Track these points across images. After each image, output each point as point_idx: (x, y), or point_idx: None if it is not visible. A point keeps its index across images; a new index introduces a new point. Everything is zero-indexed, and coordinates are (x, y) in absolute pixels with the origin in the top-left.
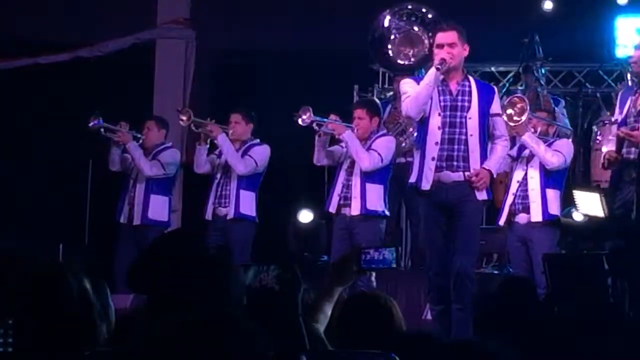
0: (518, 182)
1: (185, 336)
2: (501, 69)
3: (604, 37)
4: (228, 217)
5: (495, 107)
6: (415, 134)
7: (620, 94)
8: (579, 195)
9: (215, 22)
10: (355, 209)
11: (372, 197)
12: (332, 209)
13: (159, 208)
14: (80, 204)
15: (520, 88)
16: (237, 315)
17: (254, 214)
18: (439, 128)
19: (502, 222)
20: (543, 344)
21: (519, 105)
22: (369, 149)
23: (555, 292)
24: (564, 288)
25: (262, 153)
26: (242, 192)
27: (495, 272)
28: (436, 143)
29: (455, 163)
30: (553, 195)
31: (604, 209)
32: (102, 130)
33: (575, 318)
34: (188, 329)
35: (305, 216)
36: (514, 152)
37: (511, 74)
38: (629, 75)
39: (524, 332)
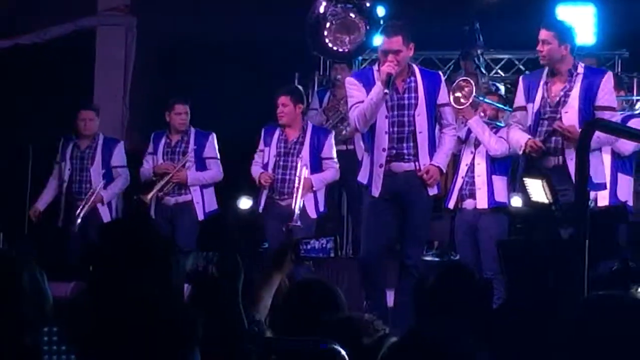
0: (467, 165)
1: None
2: (442, 56)
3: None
4: (175, 204)
5: (443, 96)
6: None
7: (523, 80)
8: (528, 182)
9: (156, 9)
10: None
11: None
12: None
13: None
14: (20, 192)
15: (453, 81)
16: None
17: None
18: (385, 132)
19: (451, 205)
20: (485, 331)
21: (466, 89)
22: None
23: (510, 278)
24: (518, 274)
25: (215, 145)
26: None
27: (437, 259)
28: (384, 149)
29: (405, 157)
30: (500, 182)
31: (547, 195)
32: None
33: (524, 305)
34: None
35: (245, 203)
36: (462, 133)
37: (452, 62)
38: None
39: (464, 318)
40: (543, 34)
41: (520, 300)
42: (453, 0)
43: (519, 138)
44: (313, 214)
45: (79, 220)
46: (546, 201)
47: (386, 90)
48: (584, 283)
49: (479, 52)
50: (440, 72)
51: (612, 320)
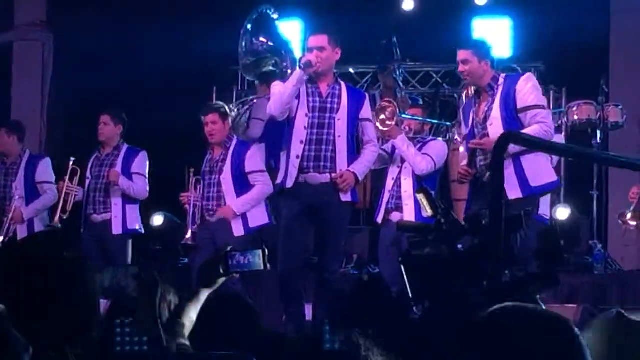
0: (393, 179)
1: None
2: (359, 70)
3: (460, 38)
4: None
5: (365, 112)
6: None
7: (462, 109)
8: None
9: (73, 24)
10: None
11: None
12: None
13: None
14: None
15: (376, 91)
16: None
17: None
18: (305, 128)
19: (379, 219)
20: (395, 344)
21: (389, 110)
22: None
23: (413, 292)
24: (421, 288)
25: (143, 162)
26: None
27: (356, 272)
28: (301, 142)
29: (322, 164)
30: None
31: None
32: None
33: (427, 318)
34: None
35: (158, 220)
36: (388, 147)
37: (369, 75)
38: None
39: (378, 331)
40: (462, 54)
41: (426, 313)
42: (370, 14)
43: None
44: (240, 232)
45: (0, 238)
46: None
47: (305, 77)
48: (488, 294)
49: (396, 65)
50: (367, 94)
51: (519, 333)
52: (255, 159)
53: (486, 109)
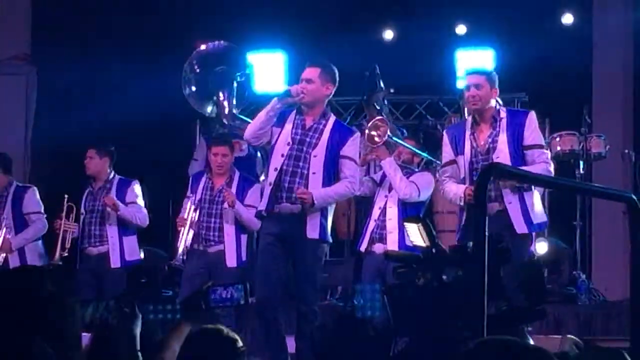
0: (380, 208)
1: None
2: (343, 101)
3: (444, 69)
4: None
5: (348, 150)
6: None
7: (448, 133)
8: (407, 226)
9: (56, 58)
10: None
11: None
12: None
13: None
14: None
15: (358, 123)
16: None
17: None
18: (282, 156)
19: (362, 248)
20: None
21: (381, 129)
22: None
23: (396, 324)
24: (403, 320)
25: (135, 191)
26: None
27: (340, 304)
28: (275, 169)
29: (294, 195)
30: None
31: (423, 239)
32: None
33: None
34: None
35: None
36: (377, 176)
37: (353, 107)
38: (466, 110)
39: None
40: (476, 78)
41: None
42: (352, 45)
43: (457, 190)
44: (232, 263)
45: None
46: (423, 244)
47: (279, 105)
48: (476, 326)
49: (381, 96)
50: (358, 133)
51: None
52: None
53: (490, 140)
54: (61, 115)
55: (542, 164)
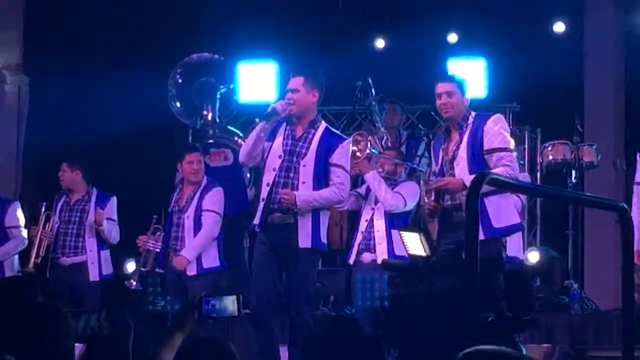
0: (366, 221)
1: None
2: (335, 111)
3: (435, 78)
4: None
5: (337, 158)
6: None
7: (432, 145)
8: (405, 235)
9: (48, 68)
10: None
11: None
12: None
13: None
14: None
15: (349, 132)
16: None
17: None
18: (274, 170)
19: (351, 260)
20: None
21: (361, 143)
22: None
23: (391, 333)
24: (398, 329)
25: (114, 208)
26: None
27: (333, 313)
28: (267, 184)
29: (284, 205)
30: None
31: (424, 248)
32: None
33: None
34: None
35: (131, 266)
36: (362, 190)
37: (345, 116)
38: None
39: None
40: (447, 86)
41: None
42: (344, 54)
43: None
44: (192, 272)
45: None
46: (423, 254)
47: (267, 125)
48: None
49: (374, 104)
50: (348, 139)
51: None
52: (216, 200)
53: (454, 147)
54: (53, 125)
55: (501, 167)
